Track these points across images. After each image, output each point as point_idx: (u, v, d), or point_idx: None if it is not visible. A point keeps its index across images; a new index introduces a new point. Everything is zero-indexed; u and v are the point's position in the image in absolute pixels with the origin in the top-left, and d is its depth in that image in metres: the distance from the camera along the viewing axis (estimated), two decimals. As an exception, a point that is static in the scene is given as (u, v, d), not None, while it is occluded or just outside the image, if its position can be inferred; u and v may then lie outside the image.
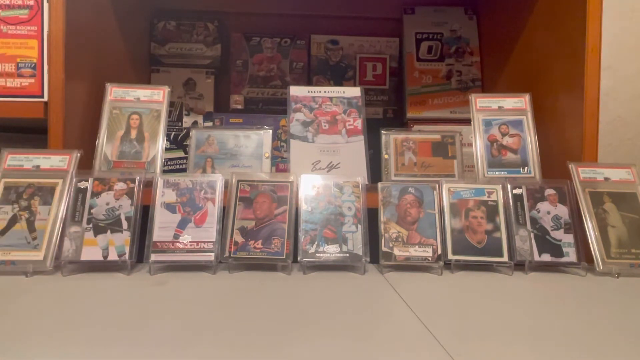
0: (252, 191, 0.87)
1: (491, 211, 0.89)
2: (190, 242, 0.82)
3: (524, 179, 0.96)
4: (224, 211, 0.86)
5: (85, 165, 0.91)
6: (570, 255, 0.86)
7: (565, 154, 0.98)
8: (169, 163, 1.36)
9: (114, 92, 0.98)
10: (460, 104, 1.41)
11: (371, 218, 0.87)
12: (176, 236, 0.83)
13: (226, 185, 0.88)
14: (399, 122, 1.45)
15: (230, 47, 1.44)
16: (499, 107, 1.02)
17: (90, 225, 0.82)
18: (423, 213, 0.88)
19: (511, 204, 0.89)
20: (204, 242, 0.83)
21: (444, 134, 1.06)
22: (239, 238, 0.84)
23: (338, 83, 1.45)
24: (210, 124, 1.38)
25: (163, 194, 0.85)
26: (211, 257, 0.82)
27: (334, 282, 0.78)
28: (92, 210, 0.83)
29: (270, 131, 1.04)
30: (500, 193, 0.90)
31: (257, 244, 0.83)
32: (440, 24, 1.46)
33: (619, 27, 1.46)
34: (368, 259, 0.84)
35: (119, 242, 0.81)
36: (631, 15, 1.48)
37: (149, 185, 0.87)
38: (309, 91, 1.05)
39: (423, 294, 0.73)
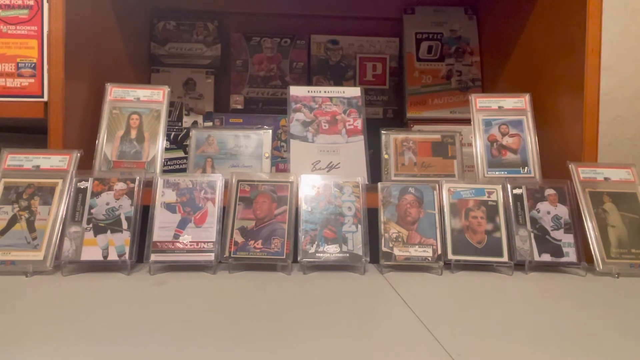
0: (252, 191, 0.87)
1: (491, 211, 0.89)
2: (190, 242, 0.82)
3: (524, 179, 0.96)
4: (224, 211, 0.86)
5: (85, 165, 0.91)
6: (570, 255, 0.86)
7: (565, 154, 0.98)
8: (169, 163, 1.36)
9: (114, 92, 0.98)
10: (460, 104, 1.41)
11: (371, 218, 0.87)
12: (176, 236, 0.82)
13: (226, 185, 0.88)
14: (399, 122, 1.45)
15: (230, 47, 1.44)
16: (499, 107, 1.02)
17: (90, 225, 0.82)
18: (423, 213, 0.88)
19: (511, 204, 0.89)
20: (204, 242, 0.83)
21: (444, 134, 1.06)
22: (239, 238, 0.84)
23: (338, 83, 1.45)
24: (210, 124, 1.38)
25: (163, 194, 0.85)
26: (211, 257, 0.82)
27: (334, 282, 0.78)
28: (92, 210, 0.83)
29: (270, 131, 1.04)
30: (500, 193, 0.90)
31: (257, 244, 0.83)
32: (440, 24, 1.46)
33: (619, 27, 1.46)
34: (368, 259, 0.84)
35: (119, 242, 0.81)
36: (631, 15, 1.47)
37: (149, 185, 0.87)
38: (309, 91, 1.05)
39: (423, 294, 0.73)
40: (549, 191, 0.90)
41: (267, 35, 1.45)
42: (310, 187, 0.89)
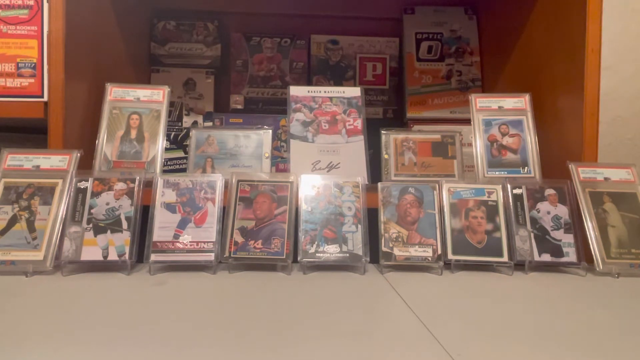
0: (252, 191, 0.87)
1: (491, 211, 0.89)
2: (190, 242, 0.82)
3: (524, 179, 0.96)
4: (224, 211, 0.86)
5: (85, 165, 0.91)
6: (570, 255, 0.86)
7: (565, 154, 0.98)
8: (169, 163, 1.36)
9: (114, 92, 0.98)
10: (460, 104, 1.41)
11: (371, 218, 0.87)
12: (176, 236, 0.82)
13: (226, 185, 0.88)
14: (399, 122, 1.45)
15: (230, 47, 1.44)
16: (499, 107, 1.02)
17: (90, 225, 0.82)
18: (423, 213, 0.88)
19: (511, 204, 0.89)
20: (204, 242, 0.83)
21: (444, 134, 1.06)
22: (239, 238, 0.84)
23: (338, 83, 1.45)
24: (210, 124, 1.38)
25: (163, 194, 0.85)
26: (211, 257, 0.82)
27: (334, 282, 0.78)
28: (92, 210, 0.83)
29: (270, 131, 1.04)
30: (500, 193, 0.90)
31: (257, 244, 0.83)
32: (440, 24, 1.46)
33: (619, 27, 1.46)
34: (368, 259, 0.84)
35: (119, 242, 0.81)
36: (631, 15, 1.47)
37: (149, 185, 0.87)
38: (309, 91, 1.05)
39: (423, 294, 0.73)
40: (549, 191, 0.90)
41: (267, 35, 1.45)
42: (310, 187, 0.89)
